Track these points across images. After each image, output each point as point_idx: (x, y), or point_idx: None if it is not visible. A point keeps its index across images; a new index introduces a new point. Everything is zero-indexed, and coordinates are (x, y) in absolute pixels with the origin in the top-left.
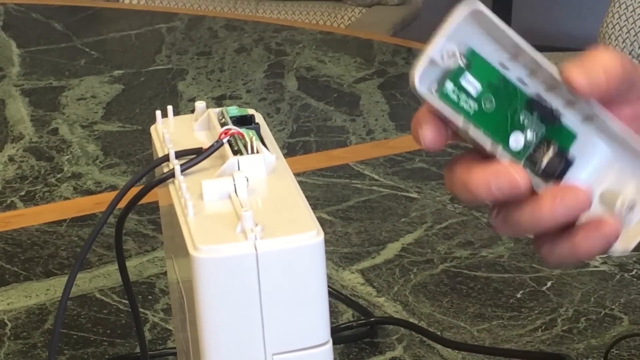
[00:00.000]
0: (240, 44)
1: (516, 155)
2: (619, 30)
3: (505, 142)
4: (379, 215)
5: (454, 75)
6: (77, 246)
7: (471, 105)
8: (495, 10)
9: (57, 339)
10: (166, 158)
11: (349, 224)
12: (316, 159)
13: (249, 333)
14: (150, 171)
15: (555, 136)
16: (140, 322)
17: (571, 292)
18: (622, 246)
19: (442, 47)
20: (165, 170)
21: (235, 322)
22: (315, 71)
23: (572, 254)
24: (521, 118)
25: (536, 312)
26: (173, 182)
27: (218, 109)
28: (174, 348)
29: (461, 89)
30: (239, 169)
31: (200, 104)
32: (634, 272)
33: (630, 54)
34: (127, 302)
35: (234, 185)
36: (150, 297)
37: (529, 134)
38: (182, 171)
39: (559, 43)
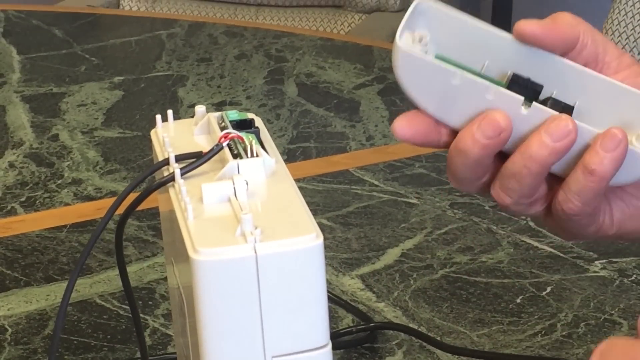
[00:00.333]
0: (240, 50)
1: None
2: (618, 37)
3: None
4: (378, 220)
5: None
6: (78, 252)
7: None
8: (494, 18)
9: (57, 344)
10: (166, 162)
11: (349, 230)
12: (316, 164)
13: (248, 335)
14: (150, 175)
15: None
16: (140, 326)
17: (571, 298)
18: None
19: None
20: (166, 174)
21: (235, 324)
22: (315, 77)
23: (588, 181)
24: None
25: (536, 317)
26: (173, 186)
27: (218, 113)
28: (174, 353)
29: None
30: (238, 172)
31: (200, 108)
32: (633, 278)
33: None
34: (127, 307)
35: (234, 188)
36: (150, 302)
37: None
38: (182, 175)
39: None
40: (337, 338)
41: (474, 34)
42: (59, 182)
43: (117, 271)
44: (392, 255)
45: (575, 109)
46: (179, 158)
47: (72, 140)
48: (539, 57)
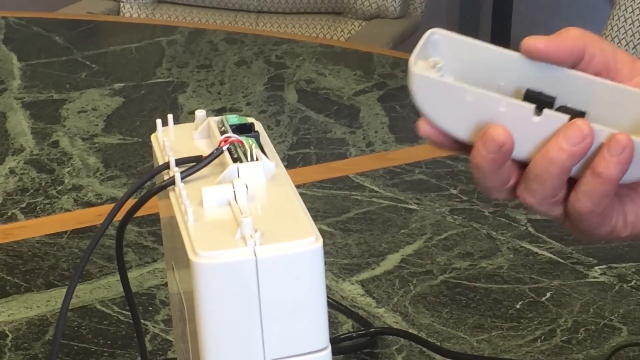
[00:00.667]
0: (241, 57)
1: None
2: (617, 43)
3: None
4: (378, 226)
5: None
6: (78, 258)
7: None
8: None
9: (57, 349)
10: (166, 166)
11: (349, 236)
12: (316, 170)
13: (248, 338)
14: (150, 179)
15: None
16: (141, 331)
17: (570, 303)
18: None
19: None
20: (166, 177)
21: (234, 327)
22: (315, 84)
23: (596, 183)
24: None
25: (535, 322)
26: (173, 190)
27: (218, 118)
28: (175, 359)
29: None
30: (238, 176)
31: (200, 113)
32: (632, 283)
33: None
34: (127, 313)
35: (234, 192)
36: (150, 308)
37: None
38: (182, 178)
39: None
40: (337, 343)
41: (485, 57)
42: (60, 188)
43: (117, 277)
44: (392, 260)
45: (587, 115)
46: (179, 162)
47: (72, 146)
48: (548, 71)
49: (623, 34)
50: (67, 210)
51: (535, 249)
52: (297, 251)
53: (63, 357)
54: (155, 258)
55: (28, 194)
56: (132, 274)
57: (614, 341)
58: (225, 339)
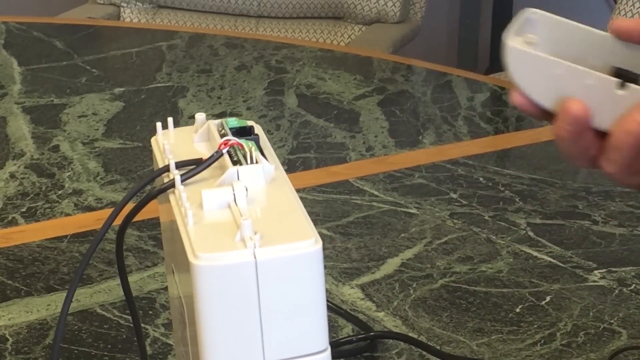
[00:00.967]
0: (241, 61)
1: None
2: None
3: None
4: (378, 230)
5: None
6: (78, 262)
7: None
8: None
9: (57, 353)
10: (166, 168)
11: (349, 240)
12: (316, 175)
13: (248, 340)
14: (151, 181)
15: None
16: (141, 333)
17: (570, 307)
18: None
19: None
20: (166, 180)
21: (234, 329)
22: (315, 88)
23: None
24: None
25: (535, 326)
26: (173, 192)
27: (218, 121)
28: None
29: None
30: (238, 178)
31: (200, 116)
32: (632, 287)
33: None
34: (128, 317)
35: (234, 194)
36: (151, 312)
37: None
38: (182, 181)
39: None
40: (337, 347)
41: (577, 36)
42: (60, 192)
43: (117, 281)
44: (391, 265)
45: None
46: (179, 165)
47: (72, 151)
48: (635, 51)
49: None
50: (68, 214)
51: (535, 253)
52: (297, 253)
53: None
54: (155, 262)
55: (28, 198)
56: (132, 278)
57: (613, 345)
58: (225, 341)
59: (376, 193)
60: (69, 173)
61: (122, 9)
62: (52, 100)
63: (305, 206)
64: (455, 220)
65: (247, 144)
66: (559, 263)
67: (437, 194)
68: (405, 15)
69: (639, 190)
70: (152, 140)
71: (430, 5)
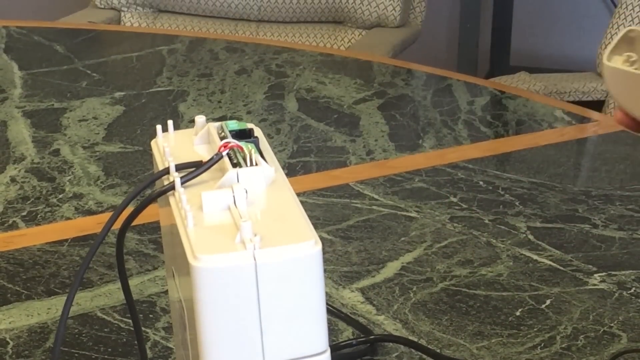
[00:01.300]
0: (241, 65)
1: None
2: None
3: None
4: (378, 234)
5: None
6: (79, 265)
7: None
8: (494, 32)
9: (57, 357)
10: (166, 171)
11: (349, 243)
12: (316, 179)
13: (248, 341)
14: (151, 184)
15: None
16: (142, 336)
17: (570, 310)
18: None
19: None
20: (166, 183)
21: (234, 330)
22: (315, 92)
23: None
24: None
25: (535, 330)
26: (173, 195)
27: (217, 123)
28: None
29: None
30: (238, 181)
31: (200, 118)
32: (632, 290)
33: None
34: (128, 320)
35: (233, 196)
36: (151, 315)
37: None
38: (182, 183)
39: (558, 65)
40: (337, 350)
41: None
42: (60, 196)
43: (118, 285)
44: (392, 268)
45: None
46: (179, 167)
47: (73, 155)
48: None
49: None
50: (68, 218)
51: (535, 257)
52: (296, 255)
53: None
54: (155, 266)
55: (29, 202)
56: (132, 282)
57: (613, 348)
58: (225, 342)
59: (376, 197)
60: (69, 177)
61: (122, 14)
62: (53, 105)
63: (305, 210)
64: (455, 224)
65: (247, 147)
66: (558, 266)
67: (437, 197)
68: (405, 19)
69: None
70: (152, 142)
71: (430, 10)
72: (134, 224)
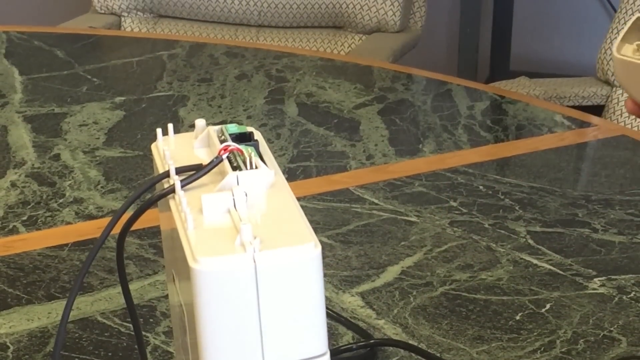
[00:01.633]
0: (241, 70)
1: None
2: None
3: None
4: (378, 238)
5: None
6: (79, 270)
7: None
8: (494, 37)
9: None
10: (167, 174)
11: (349, 248)
12: (316, 183)
13: (248, 344)
14: (151, 187)
15: None
16: (142, 340)
17: (570, 315)
18: None
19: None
20: (166, 186)
21: (234, 332)
22: (315, 97)
23: None
24: None
25: (535, 334)
26: (173, 198)
27: (217, 127)
28: None
29: None
30: (238, 184)
31: (200, 122)
32: (632, 295)
33: None
34: (128, 325)
35: (233, 199)
36: (151, 320)
37: None
38: (182, 186)
39: (558, 70)
40: (337, 355)
41: None
42: (61, 201)
43: (118, 289)
44: (392, 272)
45: None
46: (179, 170)
47: (73, 159)
48: None
49: None
50: (68, 222)
51: (535, 261)
52: (296, 257)
53: None
54: (156, 270)
55: (29, 206)
56: (133, 286)
57: (613, 352)
58: (225, 344)
59: (376, 201)
60: (69, 182)
61: (123, 19)
62: (53, 109)
63: (305, 214)
64: (455, 228)
65: (247, 150)
66: (558, 271)
67: (437, 202)
68: (405, 24)
69: None
70: (153, 146)
71: (431, 15)
72: (134, 228)
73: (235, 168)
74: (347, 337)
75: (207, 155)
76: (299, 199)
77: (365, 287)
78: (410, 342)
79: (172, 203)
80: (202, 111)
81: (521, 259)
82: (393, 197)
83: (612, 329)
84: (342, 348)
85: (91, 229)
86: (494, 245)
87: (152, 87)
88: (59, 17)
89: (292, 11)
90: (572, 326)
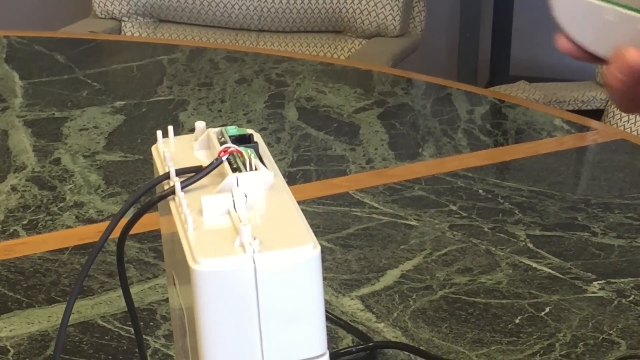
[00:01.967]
0: (241, 75)
1: None
2: None
3: None
4: (378, 242)
5: None
6: (79, 274)
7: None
8: (494, 41)
9: None
10: (167, 176)
11: (349, 251)
12: (316, 187)
13: (247, 345)
14: (151, 188)
15: None
16: (142, 342)
17: (569, 318)
18: None
19: None
20: (166, 187)
21: (234, 333)
22: (315, 101)
23: None
24: None
25: (534, 337)
26: (173, 200)
27: (217, 129)
28: None
29: None
30: (237, 185)
31: (200, 124)
32: (631, 298)
33: None
34: (128, 328)
35: (233, 201)
36: (151, 323)
37: None
38: (182, 188)
39: (557, 74)
40: (337, 358)
41: None
42: (61, 205)
43: (118, 292)
44: (391, 276)
45: None
46: (179, 172)
47: (74, 163)
48: None
49: None
50: (69, 226)
51: (535, 265)
52: (295, 258)
53: None
54: (156, 274)
55: (30, 210)
56: (133, 290)
57: (612, 356)
58: (225, 344)
59: (376, 205)
60: (70, 186)
61: (123, 24)
62: (54, 114)
63: (305, 218)
64: (454, 232)
65: (247, 152)
66: (558, 274)
67: (437, 206)
68: (405, 29)
69: None
70: (153, 148)
71: (430, 19)
72: (134, 232)
73: (235, 170)
74: (347, 340)
75: (207, 157)
76: (299, 202)
77: (365, 290)
78: (410, 345)
79: (172, 205)
80: (202, 115)
81: (521, 262)
82: (393, 201)
83: (611, 332)
84: (342, 351)
85: (91, 233)
86: (494, 248)
87: (152, 91)
88: (60, 21)
89: (292, 16)
90: (572, 329)
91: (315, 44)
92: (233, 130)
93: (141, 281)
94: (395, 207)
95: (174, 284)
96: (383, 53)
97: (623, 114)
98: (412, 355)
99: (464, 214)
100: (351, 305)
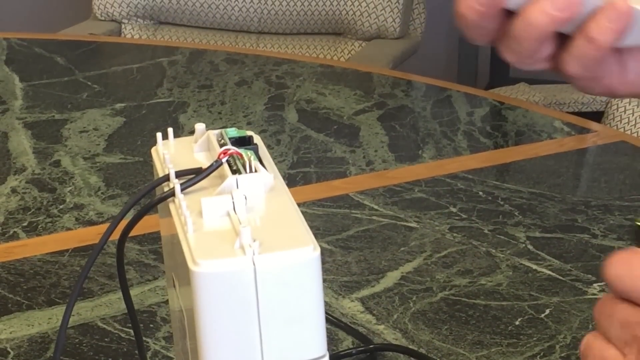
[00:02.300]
0: (241, 77)
1: None
2: None
3: None
4: (378, 244)
5: None
6: (79, 276)
7: None
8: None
9: None
10: (167, 178)
11: (349, 253)
12: (316, 189)
13: (247, 346)
14: (151, 190)
15: None
16: (142, 343)
17: (569, 320)
18: None
19: None
20: (166, 189)
21: (234, 334)
22: (315, 103)
23: (587, 48)
24: None
25: (534, 339)
26: (173, 202)
27: (217, 131)
28: None
29: None
30: (237, 187)
31: (199, 126)
32: None
33: None
34: (128, 330)
35: (233, 202)
36: (151, 325)
37: None
38: (182, 190)
39: (558, 76)
40: None
41: None
42: (61, 207)
43: (118, 294)
44: (391, 278)
45: None
46: (179, 174)
47: (73, 165)
48: None
49: None
50: (69, 228)
51: (535, 266)
52: (295, 260)
53: None
54: (156, 276)
55: (30, 212)
56: (133, 292)
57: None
58: (225, 347)
59: (376, 207)
60: (70, 188)
61: (123, 26)
62: (54, 116)
63: (305, 220)
64: (454, 234)
65: (246, 154)
66: (558, 276)
67: (437, 207)
68: (405, 31)
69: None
70: (152, 150)
71: (430, 21)
72: (134, 234)
73: (235, 171)
74: (347, 342)
75: (207, 159)
76: (299, 204)
77: (365, 292)
78: (410, 347)
79: (172, 206)
80: (202, 117)
81: (521, 264)
82: (393, 203)
83: None
84: (342, 353)
85: (91, 235)
86: (494, 250)
87: (152, 93)
88: (59, 24)
89: (292, 18)
90: (572, 331)
91: (315, 46)
92: (233, 132)
93: (141, 283)
94: (395, 209)
95: (174, 286)
96: (383, 55)
97: (623, 116)
98: (412, 358)
99: (464, 216)
100: (351, 307)
